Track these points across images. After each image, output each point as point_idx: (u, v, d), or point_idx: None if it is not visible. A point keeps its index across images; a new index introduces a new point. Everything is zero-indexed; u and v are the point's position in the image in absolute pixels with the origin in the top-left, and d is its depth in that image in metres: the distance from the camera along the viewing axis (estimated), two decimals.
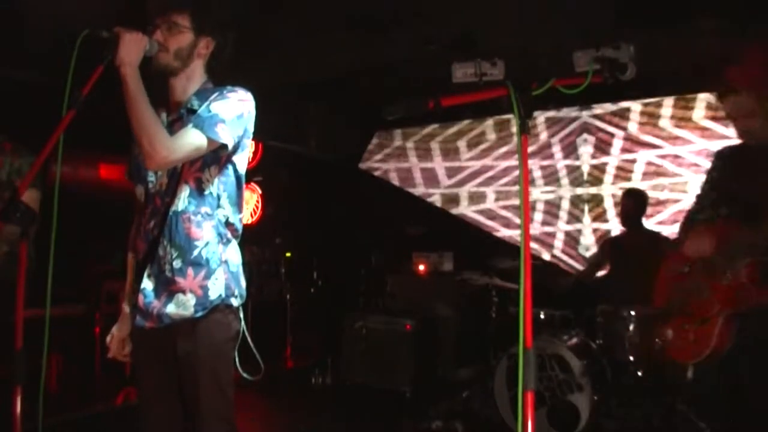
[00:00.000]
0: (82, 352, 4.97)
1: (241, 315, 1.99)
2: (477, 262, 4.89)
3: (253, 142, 6.29)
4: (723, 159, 2.48)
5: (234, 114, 1.89)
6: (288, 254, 6.32)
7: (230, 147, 1.89)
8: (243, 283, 2.00)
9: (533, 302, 1.43)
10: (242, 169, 2.03)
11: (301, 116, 6.26)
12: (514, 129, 1.53)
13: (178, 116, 1.95)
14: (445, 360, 5.23)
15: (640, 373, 3.81)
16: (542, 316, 4.28)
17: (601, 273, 4.73)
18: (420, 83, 3.85)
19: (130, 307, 2.03)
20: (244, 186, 2.05)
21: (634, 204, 4.52)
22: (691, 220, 2.51)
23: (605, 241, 4.88)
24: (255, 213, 6.85)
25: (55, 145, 1.67)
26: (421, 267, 5.69)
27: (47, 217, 1.77)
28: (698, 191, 2.61)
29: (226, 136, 1.85)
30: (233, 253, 1.99)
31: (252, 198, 6.90)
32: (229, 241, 1.98)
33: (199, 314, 1.88)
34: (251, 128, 2.00)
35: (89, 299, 5.09)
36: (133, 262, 2.09)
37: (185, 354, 1.88)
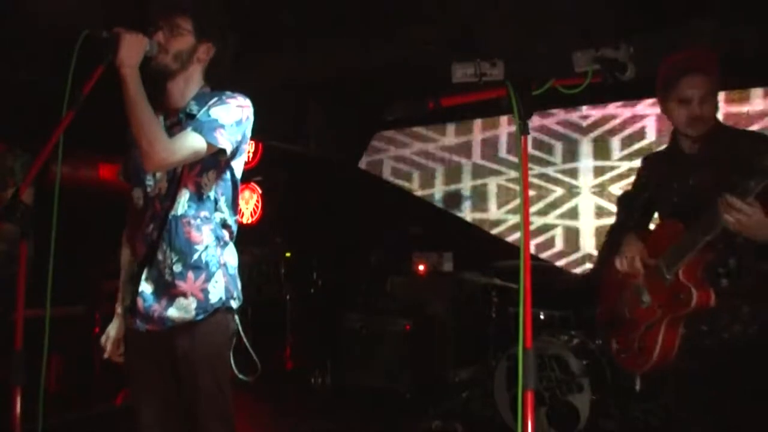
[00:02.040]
0: (82, 352, 4.97)
1: (236, 316, 2.00)
2: (477, 262, 4.89)
3: (253, 142, 6.31)
4: (650, 164, 2.42)
5: (233, 119, 1.90)
6: (288, 254, 6.32)
7: (228, 152, 1.90)
8: (239, 285, 2.02)
9: (533, 302, 1.43)
10: (239, 173, 2.04)
11: (301, 116, 6.26)
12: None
13: (177, 120, 1.96)
14: (444, 360, 5.22)
15: (639, 373, 3.81)
16: (542, 316, 4.29)
17: None
18: (420, 83, 3.86)
19: (124, 308, 2.03)
20: (239, 189, 2.06)
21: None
22: (619, 228, 2.44)
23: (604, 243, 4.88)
24: (255, 213, 6.85)
25: (55, 145, 1.67)
26: (421, 267, 5.68)
27: (47, 217, 1.77)
28: (623, 199, 2.55)
29: (224, 141, 1.86)
30: (231, 256, 2.01)
31: (252, 198, 6.91)
32: (226, 243, 1.99)
33: (201, 317, 1.90)
34: (249, 134, 2.01)
35: (89, 299, 5.09)
36: (128, 263, 2.09)
37: (185, 355, 1.89)
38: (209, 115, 1.86)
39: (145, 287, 1.92)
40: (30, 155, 2.95)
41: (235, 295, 1.98)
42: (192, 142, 1.81)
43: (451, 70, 1.73)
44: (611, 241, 2.47)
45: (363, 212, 6.36)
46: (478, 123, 6.16)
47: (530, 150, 4.48)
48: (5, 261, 2.77)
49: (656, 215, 2.45)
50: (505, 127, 6.04)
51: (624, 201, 2.54)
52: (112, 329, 2.13)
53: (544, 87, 1.60)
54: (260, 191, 6.85)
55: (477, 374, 4.67)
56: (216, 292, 1.91)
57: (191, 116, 1.93)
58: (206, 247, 1.92)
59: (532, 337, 1.40)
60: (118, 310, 2.10)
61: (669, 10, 3.85)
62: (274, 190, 6.71)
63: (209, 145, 1.83)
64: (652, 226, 2.47)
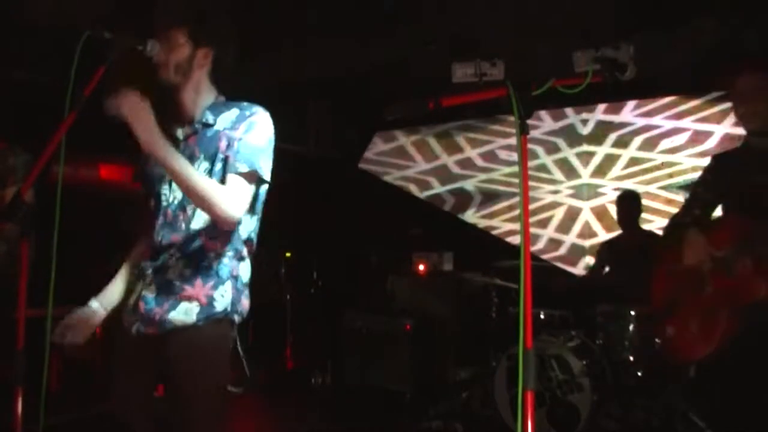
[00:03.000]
0: (82, 352, 4.97)
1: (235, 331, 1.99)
2: (477, 262, 4.89)
3: None
4: (719, 162, 2.49)
5: (266, 138, 1.93)
6: (288, 254, 6.32)
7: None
8: (247, 301, 2.00)
9: (533, 302, 1.43)
10: (262, 186, 2.02)
11: (301, 116, 6.26)
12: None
13: (193, 131, 1.97)
14: (445, 360, 5.23)
15: (640, 373, 3.81)
16: (542, 316, 4.29)
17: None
18: (420, 83, 3.86)
19: (126, 309, 2.02)
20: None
21: (628, 207, 4.55)
22: (678, 224, 2.51)
23: (602, 246, 4.86)
24: None
25: (57, 145, 1.68)
26: (421, 267, 5.69)
27: (48, 217, 1.77)
28: (688, 195, 2.62)
29: (267, 167, 1.91)
30: (245, 270, 2.00)
31: None
32: (243, 258, 1.99)
33: (201, 323, 1.87)
34: None
35: (89, 299, 5.09)
36: (132, 263, 2.09)
37: (178, 359, 1.87)
38: (248, 146, 1.88)
39: (150, 290, 1.91)
40: (31, 155, 2.95)
41: (239, 309, 1.96)
42: (247, 182, 1.86)
43: (451, 70, 1.73)
44: (669, 233, 2.55)
45: (363, 212, 6.37)
46: None
47: None
48: (7, 261, 2.77)
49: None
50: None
51: (688, 197, 2.61)
52: (78, 316, 2.09)
53: (544, 87, 1.60)
54: None
55: (477, 374, 4.67)
56: (222, 301, 1.90)
57: (207, 125, 1.94)
58: (220, 256, 1.92)
59: (532, 337, 1.40)
60: (94, 304, 2.10)
61: (669, 9, 3.85)
62: (274, 190, 6.71)
63: (260, 178, 1.89)
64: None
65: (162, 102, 1.86)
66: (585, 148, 5.72)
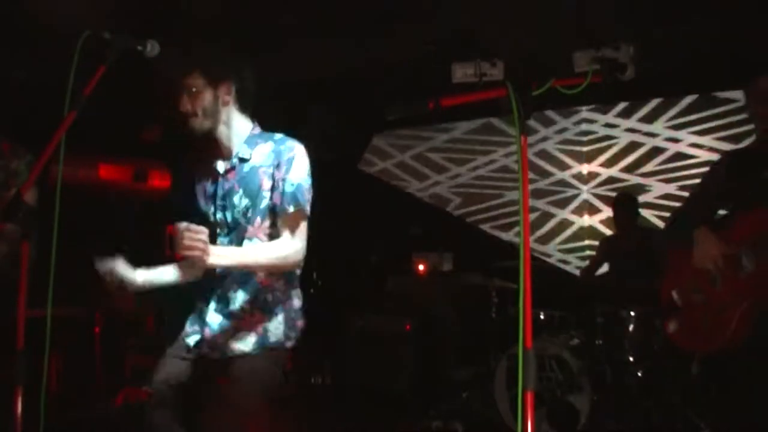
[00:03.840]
0: (82, 352, 4.97)
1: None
2: (477, 262, 4.89)
3: None
4: (731, 158, 2.48)
5: (306, 171, 2.07)
6: None
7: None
8: (301, 322, 2.16)
9: (533, 302, 1.43)
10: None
11: (300, 116, 6.25)
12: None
13: (231, 166, 2.08)
14: (445, 360, 5.23)
15: (640, 373, 3.81)
16: (542, 317, 4.29)
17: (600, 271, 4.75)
18: (420, 83, 3.86)
19: (187, 330, 2.14)
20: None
21: (625, 210, 4.56)
22: (681, 222, 2.50)
23: (602, 241, 4.88)
24: None
25: (57, 145, 1.68)
26: (421, 267, 5.69)
27: (48, 217, 1.77)
28: (692, 193, 2.62)
29: (309, 200, 2.06)
30: (297, 298, 2.16)
31: None
32: (294, 287, 2.14)
33: (257, 352, 2.04)
34: None
35: (89, 299, 5.09)
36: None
37: (238, 382, 2.01)
38: (292, 185, 2.02)
39: (213, 318, 2.06)
40: (34, 156, 2.95)
41: (292, 336, 2.11)
42: (299, 221, 2.03)
43: (451, 70, 1.73)
44: (675, 227, 2.54)
45: (363, 212, 6.36)
46: None
47: None
48: (9, 262, 2.77)
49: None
50: None
51: (694, 192, 2.60)
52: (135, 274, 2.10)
53: (544, 87, 1.60)
54: None
55: (477, 374, 4.67)
56: (275, 332, 2.07)
57: (244, 160, 2.07)
58: (274, 290, 2.08)
59: (532, 337, 1.40)
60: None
61: (670, 9, 3.85)
62: None
63: (306, 214, 2.05)
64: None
65: (201, 140, 2.01)
66: None
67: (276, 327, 2.07)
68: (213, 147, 2.09)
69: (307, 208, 2.05)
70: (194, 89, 1.99)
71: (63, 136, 1.69)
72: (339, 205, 6.46)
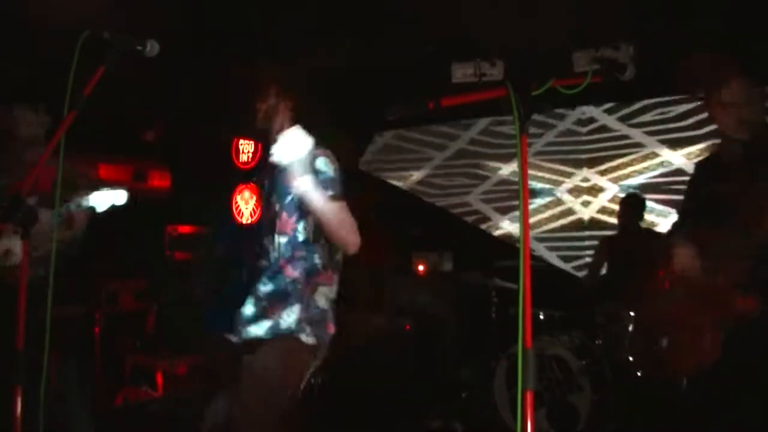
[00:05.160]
0: (82, 352, 4.97)
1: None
2: (477, 262, 4.89)
3: (253, 143, 6.31)
4: (701, 168, 2.47)
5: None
6: None
7: None
8: (326, 326, 2.26)
9: (533, 302, 1.43)
10: None
11: (300, 117, 6.25)
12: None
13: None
14: (445, 360, 5.23)
15: (640, 373, 3.81)
16: (542, 317, 4.29)
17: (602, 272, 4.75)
18: (420, 83, 3.86)
19: (238, 320, 2.30)
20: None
21: (632, 210, 4.55)
22: (672, 234, 2.49)
23: (603, 241, 4.87)
24: (255, 213, 6.85)
25: (57, 145, 1.68)
26: (421, 267, 5.69)
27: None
28: (681, 204, 2.60)
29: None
30: (322, 297, 2.26)
31: (252, 198, 6.91)
32: (318, 285, 2.25)
33: (269, 337, 2.17)
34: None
35: (89, 299, 5.09)
36: None
37: (247, 366, 2.16)
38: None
39: (247, 308, 2.23)
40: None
41: (309, 331, 2.20)
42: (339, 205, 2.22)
43: (451, 70, 1.73)
44: (668, 240, 2.51)
45: (362, 212, 6.35)
46: None
47: None
48: (74, 246, 2.83)
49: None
50: None
51: (680, 207, 2.60)
52: None
53: (544, 87, 1.60)
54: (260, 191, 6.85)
55: (477, 374, 4.67)
56: (287, 320, 2.18)
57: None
58: (295, 282, 2.22)
59: (532, 337, 1.40)
60: None
61: (670, 10, 3.85)
62: None
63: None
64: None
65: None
66: None
67: (289, 315, 2.18)
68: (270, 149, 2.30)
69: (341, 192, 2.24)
70: (266, 94, 2.37)
71: (63, 136, 1.69)
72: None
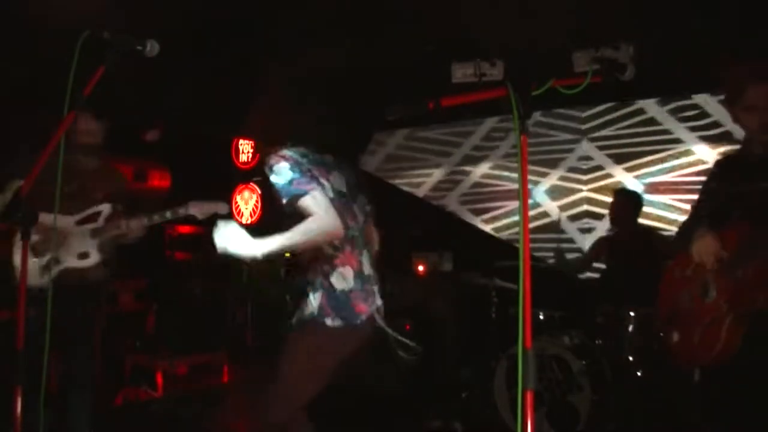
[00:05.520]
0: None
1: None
2: (477, 262, 4.89)
3: (253, 142, 6.31)
4: (722, 168, 2.47)
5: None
6: (288, 254, 6.31)
7: None
8: (354, 307, 2.27)
9: (533, 302, 1.43)
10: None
11: (299, 117, 6.24)
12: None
13: None
14: (445, 360, 5.23)
15: (640, 373, 3.81)
16: (542, 317, 4.28)
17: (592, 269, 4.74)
18: (420, 83, 3.85)
19: None
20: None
21: (626, 203, 4.44)
22: (688, 229, 2.48)
23: (599, 240, 4.81)
24: (255, 213, 6.86)
25: (57, 145, 1.68)
26: (421, 267, 5.68)
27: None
28: (695, 202, 2.59)
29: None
30: (338, 279, 2.28)
31: (252, 198, 6.91)
32: (334, 269, 2.27)
33: (298, 325, 2.30)
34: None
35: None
36: None
37: (283, 350, 2.31)
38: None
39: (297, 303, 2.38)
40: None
41: (333, 314, 2.24)
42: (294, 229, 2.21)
43: (450, 70, 1.73)
44: (680, 238, 2.51)
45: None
46: None
47: None
48: (97, 270, 2.86)
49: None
50: None
51: (695, 204, 2.58)
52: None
53: (544, 87, 1.60)
54: (260, 191, 6.85)
55: (477, 374, 4.67)
56: (310, 308, 2.27)
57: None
58: (316, 269, 2.29)
59: (532, 337, 1.40)
60: None
61: (670, 10, 3.84)
62: (272, 191, 6.71)
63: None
64: None
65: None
66: None
67: (311, 301, 2.27)
68: None
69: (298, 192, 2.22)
70: None
71: (63, 136, 1.69)
72: None
